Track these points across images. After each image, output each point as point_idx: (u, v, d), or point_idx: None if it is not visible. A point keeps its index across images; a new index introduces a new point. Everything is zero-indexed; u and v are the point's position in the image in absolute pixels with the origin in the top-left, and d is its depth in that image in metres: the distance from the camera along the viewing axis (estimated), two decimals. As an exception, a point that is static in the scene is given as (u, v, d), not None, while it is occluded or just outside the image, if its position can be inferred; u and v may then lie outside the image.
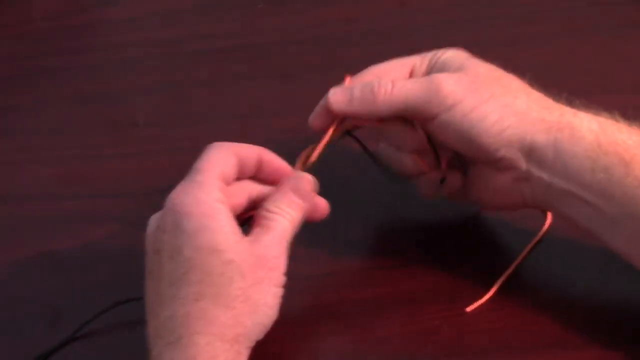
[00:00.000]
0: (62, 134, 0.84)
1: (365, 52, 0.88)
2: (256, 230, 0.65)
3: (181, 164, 0.73)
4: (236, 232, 0.64)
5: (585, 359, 0.67)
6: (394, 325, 0.70)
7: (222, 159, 0.66)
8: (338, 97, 0.70)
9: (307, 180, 0.68)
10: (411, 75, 0.71)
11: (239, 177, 0.68)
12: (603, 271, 0.70)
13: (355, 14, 0.92)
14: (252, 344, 0.65)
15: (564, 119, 0.67)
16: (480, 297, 0.70)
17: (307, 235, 0.75)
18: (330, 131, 0.70)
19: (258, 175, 0.68)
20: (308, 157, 0.70)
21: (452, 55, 0.71)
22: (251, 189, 0.68)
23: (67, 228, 0.76)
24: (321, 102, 0.71)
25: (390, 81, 0.69)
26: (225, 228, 0.64)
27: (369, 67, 0.72)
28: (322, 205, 0.69)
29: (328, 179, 0.77)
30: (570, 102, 0.69)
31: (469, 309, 0.70)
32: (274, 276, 0.65)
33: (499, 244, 0.75)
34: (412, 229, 0.76)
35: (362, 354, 0.69)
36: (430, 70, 0.71)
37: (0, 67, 0.90)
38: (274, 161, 0.69)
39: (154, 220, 0.66)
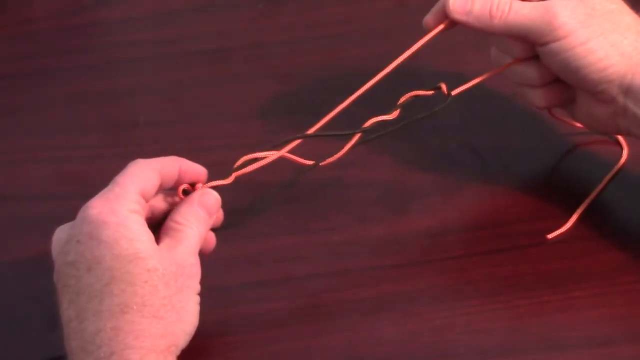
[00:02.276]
0: (62, 134, 0.83)
1: (365, 52, 0.88)
2: (167, 241, 0.65)
3: (181, 164, 0.73)
4: (153, 241, 0.64)
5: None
6: (393, 325, 0.70)
7: (142, 175, 0.66)
8: (457, 6, 0.72)
9: (214, 197, 0.68)
10: None
11: (161, 188, 0.68)
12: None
13: (355, 14, 0.92)
14: (179, 352, 0.64)
15: None
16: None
17: (306, 235, 0.75)
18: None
19: (178, 184, 0.68)
20: (241, 166, 0.70)
21: None
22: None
23: (67, 228, 0.76)
24: (439, 3, 0.73)
25: (508, 3, 0.71)
26: (143, 237, 0.64)
27: None
28: (211, 239, 0.70)
29: (327, 181, 0.77)
30: None
31: (550, 235, 0.74)
32: (192, 284, 0.65)
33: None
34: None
35: (361, 354, 0.69)
36: None
37: (0, 67, 0.90)
38: (193, 168, 0.69)
39: (62, 232, 0.65)
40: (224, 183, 0.69)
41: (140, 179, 0.66)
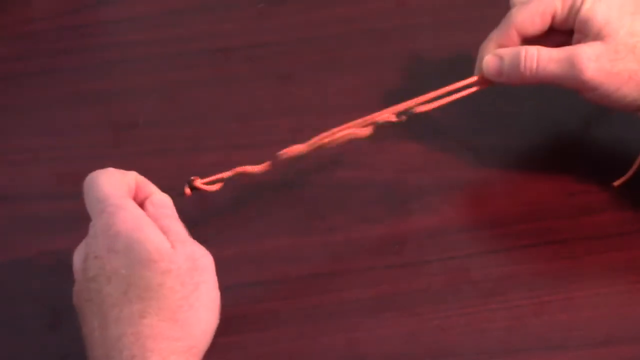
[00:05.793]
0: (62, 134, 0.83)
1: (365, 52, 0.88)
2: (169, 240, 0.65)
3: (181, 164, 0.74)
4: (165, 240, 0.64)
5: None
6: (393, 325, 0.70)
7: (118, 181, 0.67)
8: (490, 67, 0.75)
9: (165, 196, 0.68)
10: (553, 20, 0.75)
11: None
12: None
13: (354, 14, 0.91)
14: (202, 354, 0.64)
15: None
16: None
17: (306, 235, 0.75)
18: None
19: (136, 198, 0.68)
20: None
21: (592, 10, 0.73)
22: None
23: (67, 228, 0.76)
24: (478, 63, 0.76)
25: (535, 57, 0.73)
26: (155, 238, 0.64)
27: (510, 17, 0.75)
28: None
29: (327, 181, 0.77)
30: None
31: (616, 183, 0.76)
32: (207, 278, 0.65)
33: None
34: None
35: (361, 354, 0.69)
36: (572, 22, 0.74)
37: (0, 67, 0.90)
38: (145, 184, 0.69)
39: (79, 251, 0.66)
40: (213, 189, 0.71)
41: (119, 185, 0.66)
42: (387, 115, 0.74)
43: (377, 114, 0.74)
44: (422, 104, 0.74)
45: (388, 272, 0.73)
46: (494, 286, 0.72)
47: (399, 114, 0.74)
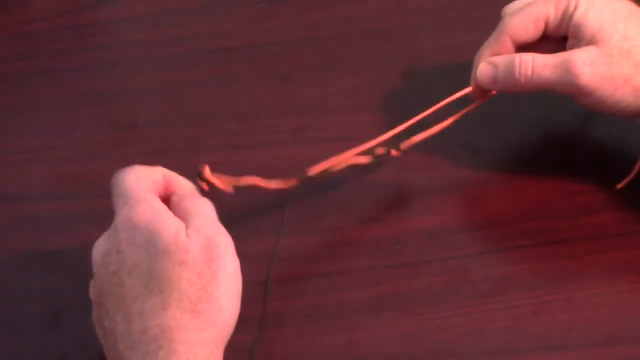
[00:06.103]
0: (62, 134, 0.83)
1: (365, 52, 0.88)
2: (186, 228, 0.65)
3: (181, 164, 0.74)
4: (182, 230, 0.64)
5: None
6: (393, 325, 0.70)
7: (143, 177, 0.67)
8: (484, 76, 0.75)
9: (189, 183, 0.68)
10: (546, 26, 0.75)
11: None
12: None
13: (354, 14, 0.92)
14: (224, 345, 0.64)
15: None
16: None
17: (306, 235, 0.75)
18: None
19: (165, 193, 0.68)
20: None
21: (585, 15, 0.73)
22: None
23: (67, 228, 0.76)
24: (473, 71, 0.76)
25: (530, 63, 0.73)
26: (172, 229, 0.64)
27: (503, 24, 0.76)
28: None
29: (327, 181, 0.77)
30: None
31: (619, 186, 0.75)
32: (225, 265, 0.64)
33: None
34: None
35: (361, 354, 0.69)
36: (566, 28, 0.74)
37: (0, 67, 0.90)
38: (175, 178, 0.68)
39: (100, 244, 0.65)
40: (225, 189, 0.70)
41: (144, 181, 0.66)
42: (385, 148, 0.74)
43: (374, 141, 0.73)
44: (425, 115, 0.74)
45: (388, 272, 0.73)
46: (494, 286, 0.72)
47: (390, 148, 0.74)
